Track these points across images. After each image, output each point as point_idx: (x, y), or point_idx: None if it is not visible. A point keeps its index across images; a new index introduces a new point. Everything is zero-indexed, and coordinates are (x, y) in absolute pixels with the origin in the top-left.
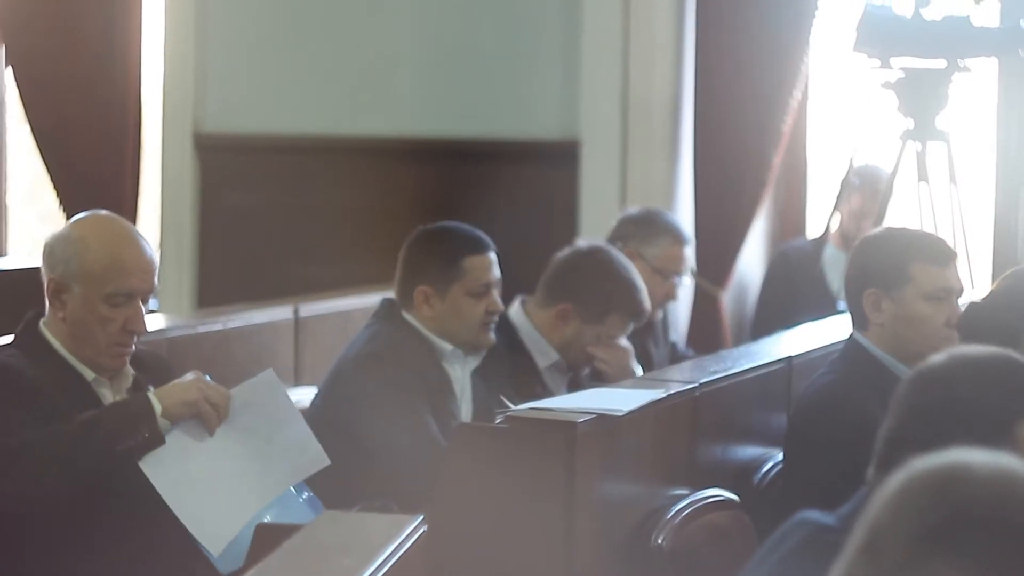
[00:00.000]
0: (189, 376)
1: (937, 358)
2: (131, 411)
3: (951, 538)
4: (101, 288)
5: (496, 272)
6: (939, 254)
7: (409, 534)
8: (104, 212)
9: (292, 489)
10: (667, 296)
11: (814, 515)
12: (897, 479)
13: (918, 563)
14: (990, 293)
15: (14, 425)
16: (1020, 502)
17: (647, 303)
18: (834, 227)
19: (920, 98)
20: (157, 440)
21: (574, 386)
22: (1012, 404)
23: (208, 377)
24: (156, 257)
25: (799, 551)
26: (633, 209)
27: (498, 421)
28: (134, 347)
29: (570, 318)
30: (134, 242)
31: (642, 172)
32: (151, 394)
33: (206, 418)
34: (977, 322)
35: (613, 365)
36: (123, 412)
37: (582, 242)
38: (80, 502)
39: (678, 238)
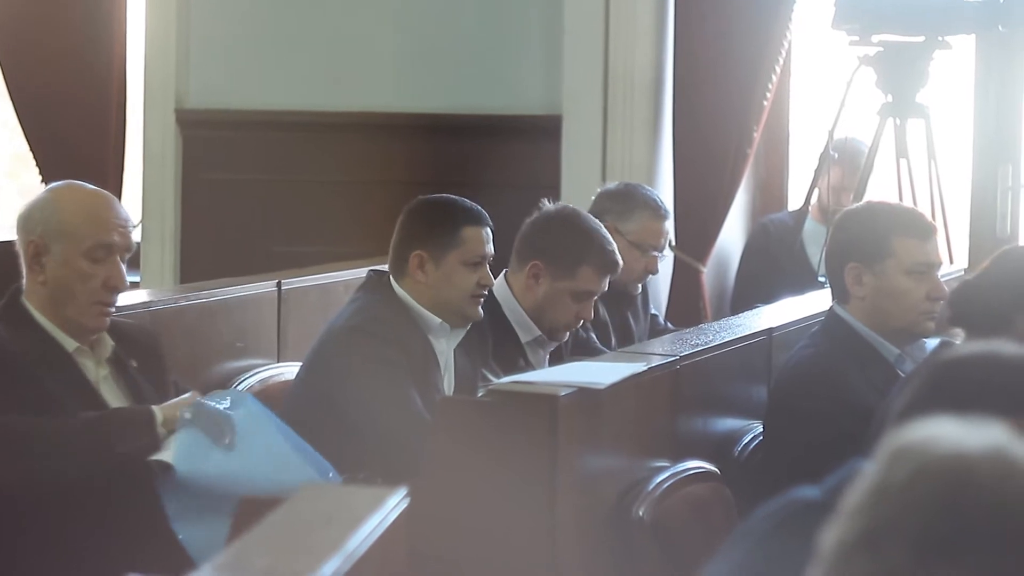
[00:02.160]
0: (188, 395)
1: (974, 353)
2: (134, 416)
3: (956, 546)
4: (80, 243)
5: (491, 248)
6: (920, 228)
7: (392, 507)
8: (76, 181)
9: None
10: (646, 270)
11: (800, 492)
12: (901, 473)
13: (921, 566)
14: (981, 272)
15: (5, 407)
16: (1019, 509)
17: (617, 255)
18: (813, 201)
19: (899, 74)
20: (155, 446)
21: (556, 360)
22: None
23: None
24: (131, 216)
25: (782, 526)
26: (611, 184)
27: (481, 395)
28: (114, 309)
29: (541, 275)
30: (108, 200)
31: (623, 146)
32: (154, 407)
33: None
34: (968, 302)
35: None
36: (126, 416)
37: (548, 203)
38: (68, 499)
39: (656, 212)
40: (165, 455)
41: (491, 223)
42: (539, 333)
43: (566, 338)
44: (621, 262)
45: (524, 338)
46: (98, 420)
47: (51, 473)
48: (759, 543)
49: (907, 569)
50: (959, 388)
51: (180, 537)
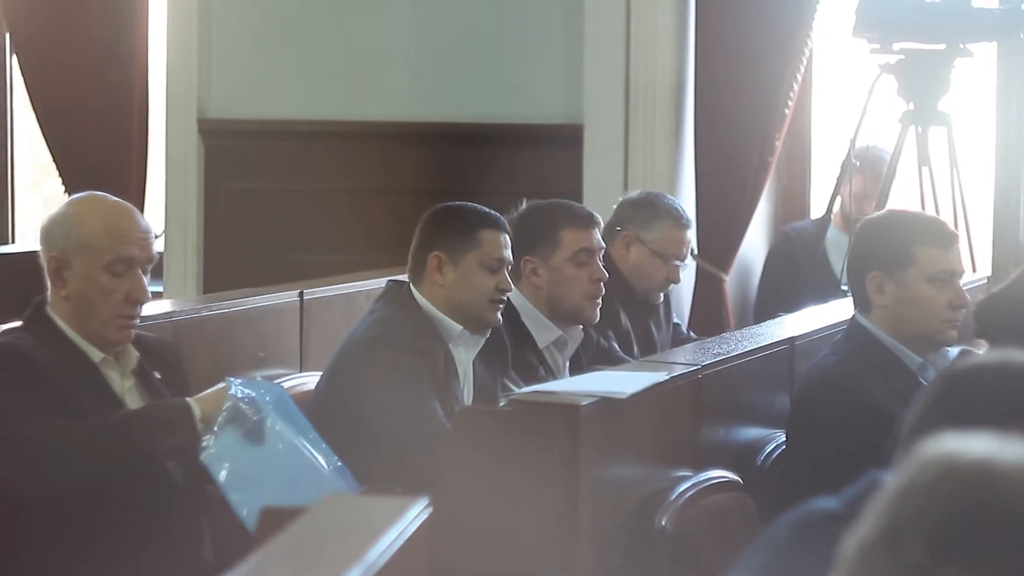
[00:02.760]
0: (222, 385)
1: (987, 362)
2: (170, 414)
3: (975, 549)
4: (100, 257)
5: (509, 254)
6: (942, 236)
7: (413, 517)
8: (97, 192)
9: (322, 459)
10: (668, 279)
11: (818, 502)
12: (927, 475)
13: (939, 566)
14: (1008, 285)
15: (27, 411)
16: None
17: (588, 209)
18: (836, 209)
19: (920, 81)
20: (194, 444)
21: (577, 370)
22: None
23: (236, 386)
24: (152, 228)
25: (800, 537)
26: (633, 193)
27: (501, 404)
28: (138, 321)
29: (536, 266)
30: (129, 213)
31: (645, 155)
32: (190, 400)
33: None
34: (994, 315)
35: None
36: (162, 413)
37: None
38: (95, 494)
39: (678, 221)
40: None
41: (509, 230)
42: (558, 334)
43: (598, 316)
44: (597, 215)
45: (543, 342)
46: (134, 418)
47: (89, 474)
48: (777, 554)
49: (924, 568)
50: (972, 397)
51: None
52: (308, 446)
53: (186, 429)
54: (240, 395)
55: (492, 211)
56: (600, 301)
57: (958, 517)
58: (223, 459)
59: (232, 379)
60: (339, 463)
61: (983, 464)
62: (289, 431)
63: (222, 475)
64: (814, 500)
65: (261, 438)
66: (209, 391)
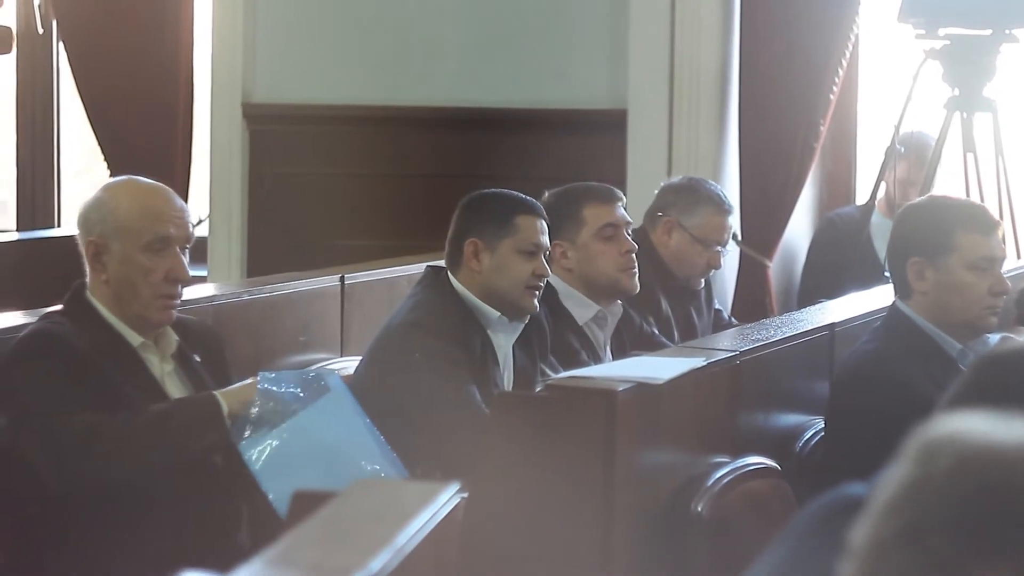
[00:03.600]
0: (250, 380)
1: (1014, 345)
2: (200, 411)
3: (1000, 539)
4: (138, 238)
5: (546, 239)
6: (983, 223)
7: (445, 502)
8: (133, 176)
9: (369, 446)
10: (709, 265)
11: (847, 489)
12: (941, 463)
13: (966, 561)
14: None
15: (73, 403)
16: None
17: (607, 185)
18: (880, 195)
19: (966, 67)
20: (224, 441)
21: (618, 348)
22: None
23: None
24: (187, 206)
25: (829, 523)
26: (675, 179)
27: (538, 389)
28: (180, 301)
29: (565, 249)
30: (162, 192)
31: (689, 140)
32: (218, 395)
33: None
34: None
35: None
36: (193, 412)
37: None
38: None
39: (719, 207)
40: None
41: (546, 216)
42: (597, 309)
43: (636, 286)
44: (616, 190)
45: (582, 319)
46: (164, 416)
47: (118, 472)
48: (805, 540)
49: (953, 562)
50: (1008, 382)
51: (270, 496)
52: (352, 435)
53: (215, 429)
54: (271, 389)
55: (528, 197)
56: (636, 271)
57: (984, 509)
58: (258, 448)
59: (264, 373)
60: (389, 450)
61: (994, 452)
62: (329, 420)
63: (257, 464)
64: (843, 486)
65: (296, 429)
66: (238, 385)
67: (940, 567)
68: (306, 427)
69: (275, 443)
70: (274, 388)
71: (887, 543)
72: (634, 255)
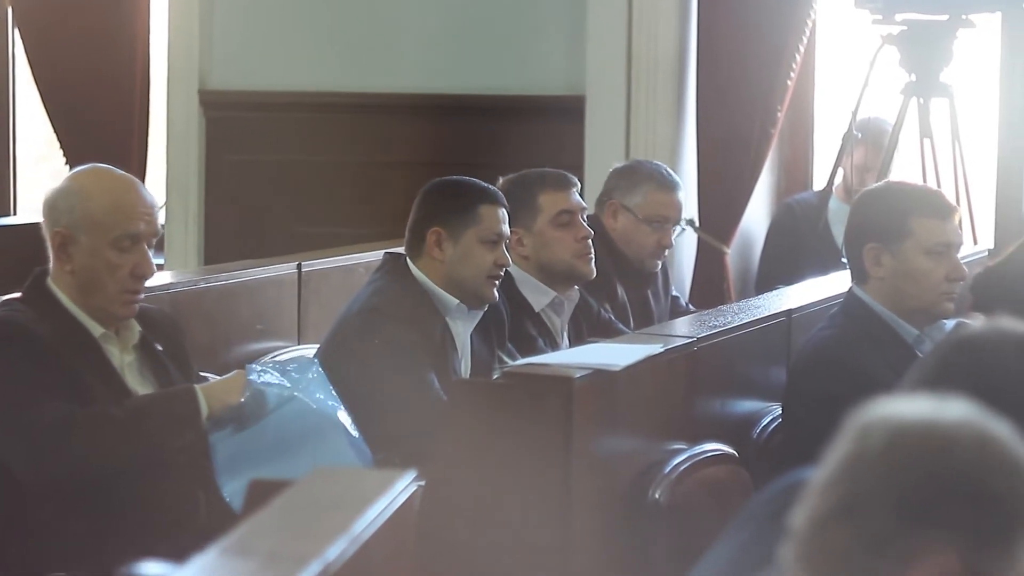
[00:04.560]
0: (234, 373)
1: (978, 331)
2: (179, 410)
3: (936, 511)
4: (107, 233)
5: (507, 228)
6: (939, 208)
7: (402, 490)
8: (100, 164)
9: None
10: (660, 244)
11: (803, 474)
12: (876, 439)
13: (903, 533)
14: (1006, 259)
15: (40, 391)
16: (1003, 473)
17: (563, 172)
18: (838, 181)
19: (922, 53)
20: (202, 443)
21: (575, 334)
22: None
23: (254, 371)
24: (156, 201)
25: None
26: (620, 163)
27: (495, 377)
28: (143, 295)
29: (521, 235)
30: (134, 187)
31: (647, 127)
32: (199, 392)
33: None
34: (991, 289)
35: None
36: (170, 410)
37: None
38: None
39: (662, 183)
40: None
41: (507, 204)
42: (553, 295)
43: (593, 271)
44: (572, 176)
45: (538, 305)
46: (140, 413)
47: (94, 464)
48: (760, 525)
49: (890, 533)
50: (968, 367)
51: (224, 492)
52: (325, 429)
53: (192, 429)
54: (261, 382)
55: (490, 185)
56: (592, 256)
57: (920, 482)
58: (226, 443)
59: (252, 366)
60: (361, 441)
61: (929, 426)
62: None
63: (218, 458)
64: (798, 471)
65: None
66: (222, 380)
67: (875, 540)
68: (279, 425)
69: (244, 438)
70: (259, 382)
71: (824, 520)
72: (590, 241)
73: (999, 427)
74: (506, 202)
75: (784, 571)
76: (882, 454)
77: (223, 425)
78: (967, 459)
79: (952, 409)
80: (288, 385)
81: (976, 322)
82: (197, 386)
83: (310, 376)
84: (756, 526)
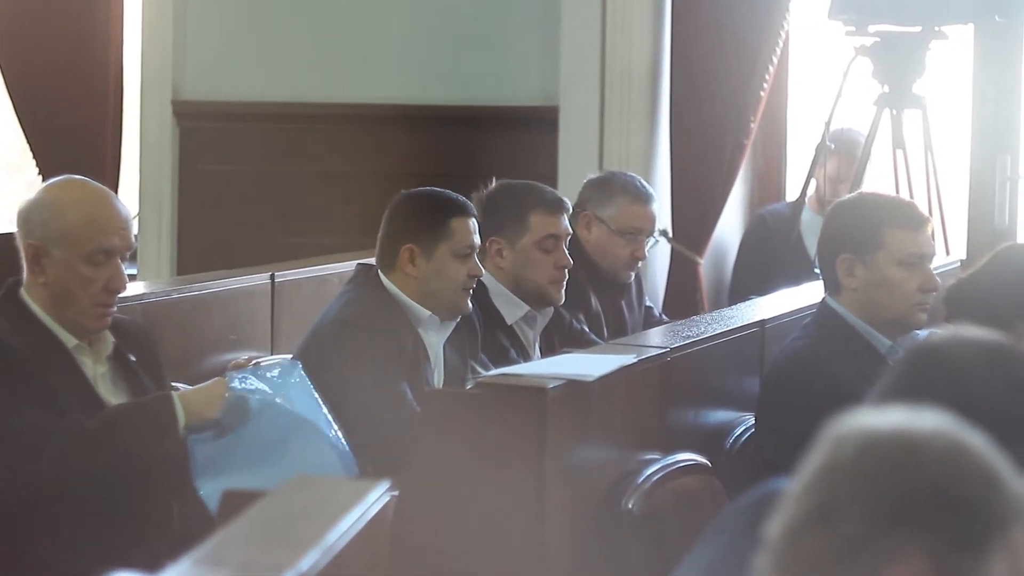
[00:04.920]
0: (213, 381)
1: (942, 339)
2: (156, 420)
3: (908, 516)
4: (81, 248)
5: (477, 238)
6: (912, 219)
7: (375, 500)
8: (75, 176)
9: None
10: (634, 256)
11: (776, 484)
12: (848, 448)
13: (874, 540)
14: (979, 270)
15: (15, 400)
16: (975, 480)
17: (558, 194)
18: (811, 192)
19: (895, 64)
20: (180, 451)
21: (547, 345)
22: None
23: (235, 378)
24: (131, 214)
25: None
26: (594, 174)
27: (469, 387)
28: (116, 307)
29: (502, 247)
30: (108, 201)
31: (620, 137)
32: (177, 402)
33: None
34: (965, 301)
35: None
36: (147, 420)
37: (484, 189)
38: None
39: (636, 196)
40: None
41: (476, 213)
42: (526, 310)
43: (562, 298)
44: (566, 200)
45: (510, 319)
46: (118, 423)
47: (70, 473)
48: (733, 535)
49: (861, 540)
50: (932, 376)
51: (200, 493)
52: (306, 433)
53: (170, 438)
54: (241, 389)
55: (459, 196)
56: (564, 284)
57: (892, 489)
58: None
59: (232, 373)
60: (344, 445)
61: (900, 435)
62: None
63: (199, 462)
64: (772, 481)
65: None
66: (202, 388)
67: (848, 546)
68: (260, 429)
69: (225, 443)
70: (241, 388)
71: (798, 528)
72: (567, 270)
73: (972, 436)
74: (474, 211)
75: None
76: (855, 462)
77: (203, 431)
78: (939, 467)
79: (925, 419)
80: (270, 391)
81: (941, 332)
82: (175, 394)
83: (292, 380)
84: (730, 536)
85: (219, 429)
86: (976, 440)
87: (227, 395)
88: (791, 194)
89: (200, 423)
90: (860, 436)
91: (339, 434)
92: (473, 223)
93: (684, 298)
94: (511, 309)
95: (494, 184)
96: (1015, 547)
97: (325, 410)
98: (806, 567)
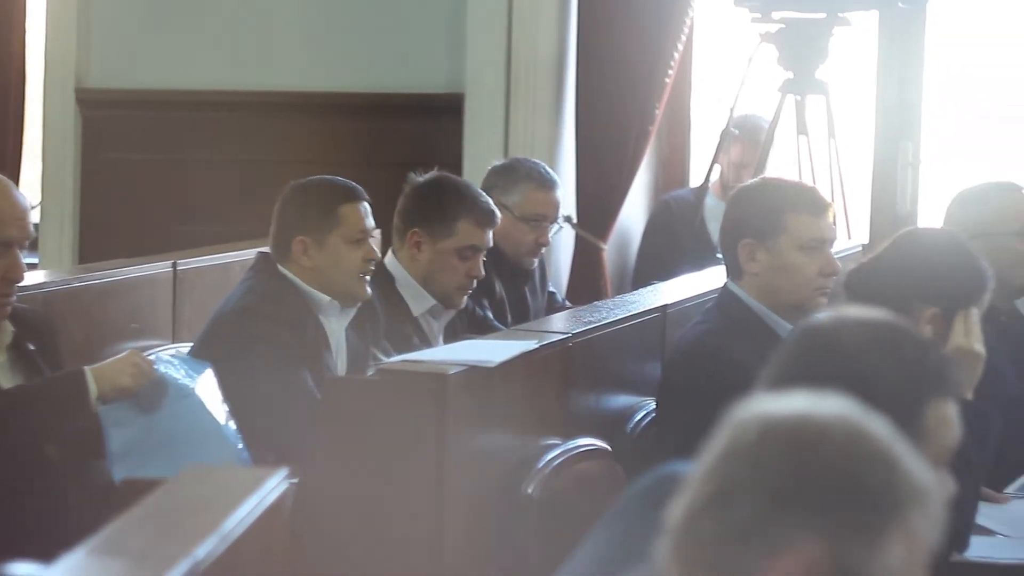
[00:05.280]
0: (126, 353)
1: (830, 320)
2: (67, 393)
3: (805, 500)
4: None
5: (371, 221)
6: (813, 204)
7: (273, 488)
8: None
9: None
10: (537, 243)
11: (673, 467)
12: (749, 432)
13: (771, 523)
14: (879, 255)
15: None
16: (873, 466)
17: (493, 206)
18: (715, 177)
19: (799, 50)
20: (93, 424)
21: (452, 338)
22: (923, 386)
23: (161, 360)
24: (29, 205)
25: (658, 503)
26: (499, 160)
27: (370, 373)
28: (15, 298)
29: (422, 242)
30: (6, 191)
31: (525, 125)
32: (88, 374)
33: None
34: (865, 286)
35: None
36: (59, 393)
37: (417, 176)
38: None
39: (541, 182)
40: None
41: (368, 197)
42: (432, 303)
43: (464, 303)
44: (498, 213)
45: (416, 311)
46: (30, 397)
47: None
48: (635, 519)
49: (758, 524)
50: (822, 356)
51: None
52: (210, 425)
53: (81, 410)
54: (164, 369)
55: (347, 182)
56: (469, 291)
57: (790, 473)
58: (121, 430)
59: (159, 354)
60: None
61: (801, 420)
62: (195, 410)
63: (114, 444)
64: (671, 464)
65: (171, 414)
66: (111, 361)
67: (743, 530)
68: (177, 419)
69: (140, 426)
70: (164, 371)
71: (697, 512)
72: (475, 281)
73: (873, 422)
74: (366, 195)
75: (658, 564)
76: (754, 447)
77: (117, 402)
78: (837, 452)
79: (827, 404)
80: (191, 385)
81: (826, 314)
82: (86, 367)
83: (204, 377)
84: (629, 519)
85: (136, 404)
86: (877, 425)
87: (145, 367)
88: (695, 180)
89: (114, 393)
90: (761, 421)
91: (245, 448)
92: (365, 207)
93: (588, 284)
94: (417, 302)
95: (432, 173)
96: (912, 531)
97: (230, 419)
98: (704, 551)
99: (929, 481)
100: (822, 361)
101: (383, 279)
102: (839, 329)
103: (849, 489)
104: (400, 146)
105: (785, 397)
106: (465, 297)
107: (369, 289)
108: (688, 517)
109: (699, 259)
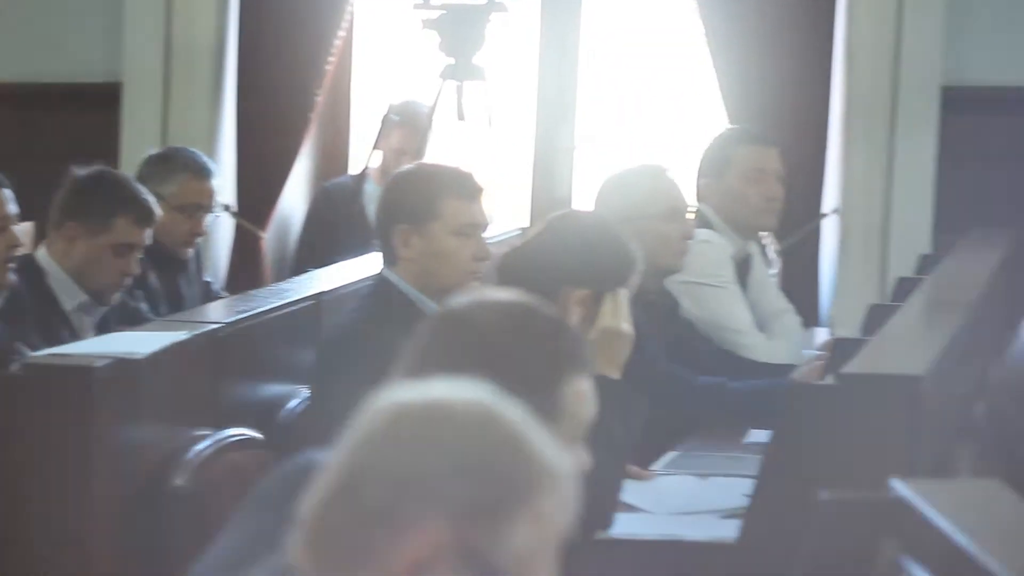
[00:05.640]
0: None
1: (465, 303)
2: None
3: (430, 485)
4: None
5: (12, 208)
6: (466, 189)
7: None
8: None
9: None
10: (193, 233)
11: (313, 454)
12: (381, 419)
13: (397, 508)
14: (530, 240)
15: None
16: (500, 449)
17: (153, 205)
18: (375, 164)
19: (459, 37)
20: None
21: (104, 327)
22: (556, 362)
23: None
24: None
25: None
26: (154, 150)
27: (15, 368)
28: None
29: (77, 236)
30: None
31: (184, 113)
32: None
33: None
34: (515, 270)
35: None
36: None
37: (79, 169)
38: None
39: (196, 172)
40: None
41: (8, 184)
42: (84, 298)
43: (116, 300)
44: (158, 211)
45: (68, 305)
46: None
47: None
48: (269, 509)
49: (384, 510)
50: (459, 339)
51: None
52: None
53: None
54: None
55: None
56: (122, 289)
57: (414, 458)
58: None
59: None
60: None
61: (431, 405)
62: None
63: None
64: (309, 452)
65: None
66: None
67: (371, 514)
68: None
69: None
70: None
71: (327, 501)
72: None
73: (505, 406)
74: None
75: (291, 554)
76: (384, 433)
77: None
78: (464, 436)
79: (463, 390)
80: None
81: (463, 297)
82: None
83: None
84: (263, 508)
85: None
86: (509, 409)
87: None
88: (356, 167)
89: None
90: (393, 407)
91: None
92: (4, 193)
93: (247, 272)
94: (69, 296)
95: (95, 168)
96: (541, 516)
97: None
98: (335, 538)
99: (561, 465)
100: (457, 343)
101: (33, 273)
102: (473, 311)
103: (474, 473)
104: (54, 138)
105: (423, 384)
106: (118, 294)
107: (13, 277)
108: (320, 505)
109: (359, 246)
